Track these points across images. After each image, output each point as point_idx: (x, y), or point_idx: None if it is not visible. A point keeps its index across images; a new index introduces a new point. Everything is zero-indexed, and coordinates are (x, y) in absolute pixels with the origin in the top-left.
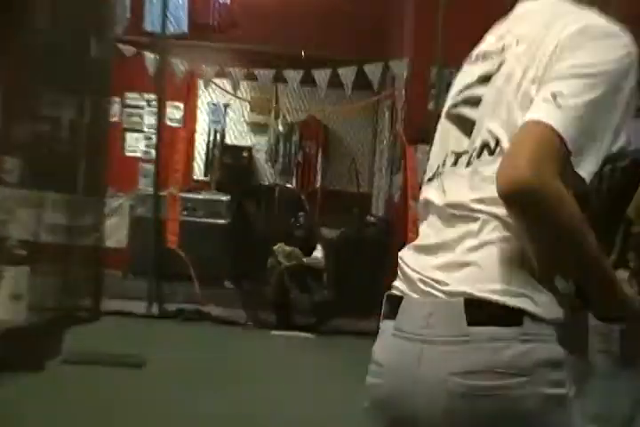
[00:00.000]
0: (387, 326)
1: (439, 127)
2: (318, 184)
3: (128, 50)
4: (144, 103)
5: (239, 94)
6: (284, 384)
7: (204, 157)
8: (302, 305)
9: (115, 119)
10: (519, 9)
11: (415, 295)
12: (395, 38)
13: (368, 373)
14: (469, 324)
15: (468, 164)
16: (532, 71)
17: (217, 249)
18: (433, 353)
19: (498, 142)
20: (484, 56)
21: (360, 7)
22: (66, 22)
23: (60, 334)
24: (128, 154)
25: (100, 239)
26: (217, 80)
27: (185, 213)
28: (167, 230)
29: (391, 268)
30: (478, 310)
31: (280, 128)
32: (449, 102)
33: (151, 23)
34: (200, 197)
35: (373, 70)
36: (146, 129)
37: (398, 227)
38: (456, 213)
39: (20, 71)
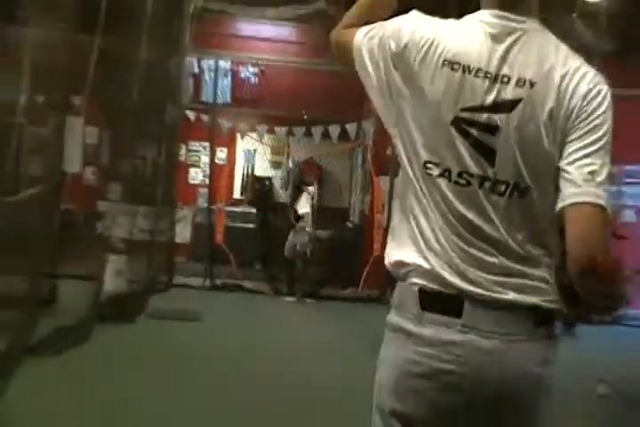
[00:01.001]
0: (444, 321)
1: (441, 127)
2: (315, 201)
3: (191, 114)
4: (201, 148)
5: (263, 142)
6: (301, 340)
7: (240, 183)
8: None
9: (182, 159)
10: (503, 24)
11: (479, 298)
12: (365, 105)
13: (429, 357)
14: (534, 325)
15: (496, 193)
16: (552, 133)
17: (249, 244)
18: (517, 348)
19: (528, 189)
20: (486, 75)
21: (343, 84)
22: (152, 94)
23: (145, 299)
24: (190, 182)
25: (172, 237)
26: (249, 133)
27: (228, 220)
28: (216, 231)
29: (361, 256)
30: (535, 313)
31: (290, 165)
32: (450, 108)
33: (206, 96)
34: (238, 210)
35: (351, 127)
36: (202, 165)
37: (367, 230)
38: (496, 246)
39: (121, 126)
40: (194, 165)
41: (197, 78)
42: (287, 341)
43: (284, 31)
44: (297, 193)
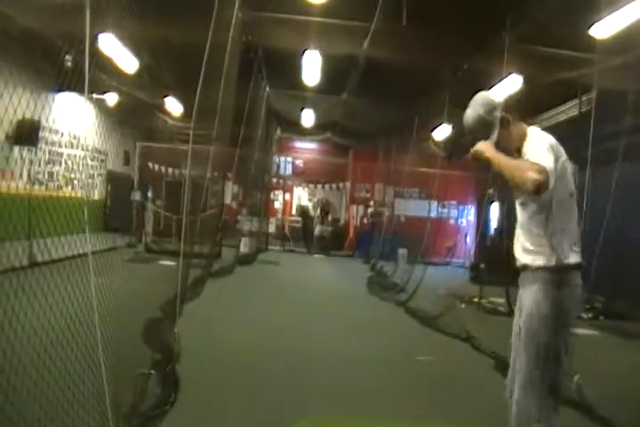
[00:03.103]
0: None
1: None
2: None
3: (274, 179)
4: (279, 193)
5: (306, 191)
6: (319, 269)
7: (295, 207)
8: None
9: (272, 197)
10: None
11: None
12: (344, 177)
13: (578, 289)
14: None
15: None
16: None
17: (297, 232)
18: None
19: None
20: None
21: (338, 168)
22: (259, 171)
23: (256, 255)
24: (275, 207)
25: (267, 229)
26: (299, 186)
27: (289, 222)
28: (284, 227)
29: (345, 237)
30: None
31: (315, 200)
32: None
33: (281, 171)
34: (293, 218)
35: (340, 184)
36: (280, 200)
37: (346, 227)
38: None
39: (247, 184)
40: (275, 200)
41: (277, 165)
42: (315, 271)
43: (312, 145)
44: (318, 211)
